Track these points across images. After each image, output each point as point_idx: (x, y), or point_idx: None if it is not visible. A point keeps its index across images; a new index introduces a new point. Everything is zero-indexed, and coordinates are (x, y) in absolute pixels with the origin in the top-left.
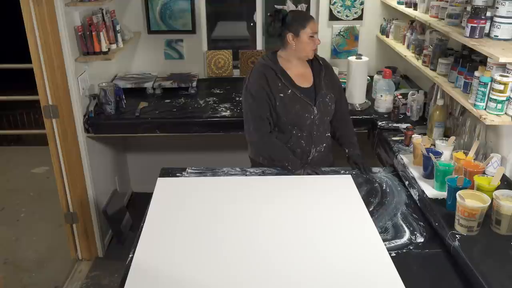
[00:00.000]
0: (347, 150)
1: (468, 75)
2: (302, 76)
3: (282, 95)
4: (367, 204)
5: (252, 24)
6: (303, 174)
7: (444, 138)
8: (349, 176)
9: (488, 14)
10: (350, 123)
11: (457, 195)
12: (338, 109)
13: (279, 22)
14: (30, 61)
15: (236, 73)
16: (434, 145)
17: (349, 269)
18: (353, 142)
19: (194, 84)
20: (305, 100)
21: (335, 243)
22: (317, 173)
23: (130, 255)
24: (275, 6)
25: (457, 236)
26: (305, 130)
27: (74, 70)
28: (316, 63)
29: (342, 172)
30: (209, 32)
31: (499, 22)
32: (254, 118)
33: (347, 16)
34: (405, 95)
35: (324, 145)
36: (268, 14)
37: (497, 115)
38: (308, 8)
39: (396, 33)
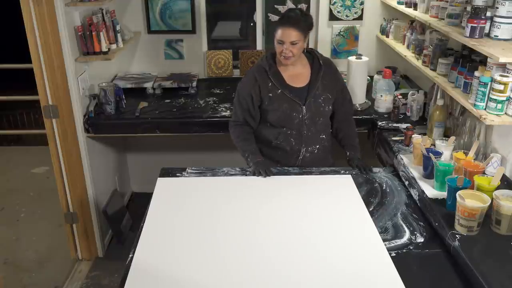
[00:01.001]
0: (348, 153)
1: (468, 75)
2: (297, 76)
3: (271, 94)
4: (367, 204)
5: (252, 24)
6: (253, 173)
7: (444, 138)
8: (349, 176)
9: (488, 14)
10: (352, 124)
11: (457, 195)
12: (339, 109)
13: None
14: (30, 61)
15: (236, 73)
16: (434, 145)
17: (349, 269)
18: (354, 145)
19: (194, 84)
20: (294, 100)
21: (335, 243)
22: (266, 174)
23: (130, 255)
24: (275, 6)
25: (457, 236)
26: (294, 128)
27: (74, 70)
28: (316, 63)
29: (342, 172)
30: (209, 32)
31: (499, 22)
32: (233, 115)
33: (347, 16)
34: (405, 95)
35: (318, 146)
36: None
37: (497, 115)
38: (308, 8)
39: (396, 33)
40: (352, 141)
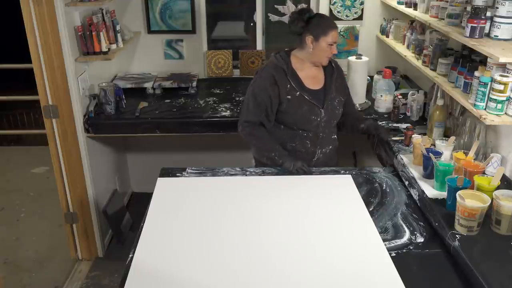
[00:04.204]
0: (362, 125)
1: (468, 75)
2: (313, 78)
3: (289, 97)
4: (367, 204)
5: (252, 24)
6: (292, 169)
7: (444, 138)
8: (349, 176)
9: (488, 14)
10: (354, 113)
11: (457, 195)
12: (348, 110)
13: (303, 22)
14: (30, 61)
15: (236, 73)
16: (434, 145)
17: (349, 269)
18: (362, 117)
19: (194, 84)
20: (312, 103)
21: (335, 243)
22: (305, 172)
23: (130, 255)
24: (275, 6)
25: (457, 236)
26: (310, 131)
27: (74, 70)
28: (329, 66)
29: (342, 172)
30: (209, 32)
31: (499, 22)
32: (247, 114)
33: (347, 16)
34: (405, 95)
35: (331, 147)
36: (293, 11)
37: (497, 115)
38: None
39: (396, 33)
40: (359, 116)
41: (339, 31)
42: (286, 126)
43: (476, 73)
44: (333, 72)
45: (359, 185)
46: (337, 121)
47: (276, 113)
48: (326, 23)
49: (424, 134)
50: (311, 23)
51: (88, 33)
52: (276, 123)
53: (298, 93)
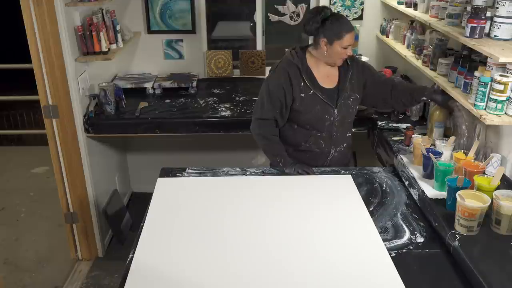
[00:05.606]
0: (424, 98)
1: (468, 75)
2: (327, 77)
3: (303, 95)
4: (367, 204)
5: (252, 24)
6: (293, 174)
7: (444, 138)
8: (349, 176)
9: (488, 14)
10: (402, 83)
11: (457, 195)
12: (379, 92)
13: (317, 23)
14: (30, 61)
15: (236, 73)
16: (434, 145)
17: (349, 269)
18: (414, 88)
19: (194, 84)
20: (326, 102)
21: (335, 243)
22: (308, 173)
23: (130, 255)
24: (275, 6)
25: (457, 236)
26: (324, 131)
27: (74, 70)
28: (344, 63)
29: (342, 172)
30: (209, 32)
31: (499, 22)
32: (261, 111)
33: (347, 16)
34: None
35: (345, 145)
36: (309, 10)
37: (497, 115)
38: (308, 8)
39: (396, 33)
40: (414, 87)
41: None
42: (299, 125)
43: (476, 73)
44: (348, 70)
45: (359, 185)
46: (351, 120)
47: (290, 111)
48: (340, 26)
49: (424, 134)
50: (325, 24)
51: (88, 33)
52: (289, 122)
53: (311, 91)
